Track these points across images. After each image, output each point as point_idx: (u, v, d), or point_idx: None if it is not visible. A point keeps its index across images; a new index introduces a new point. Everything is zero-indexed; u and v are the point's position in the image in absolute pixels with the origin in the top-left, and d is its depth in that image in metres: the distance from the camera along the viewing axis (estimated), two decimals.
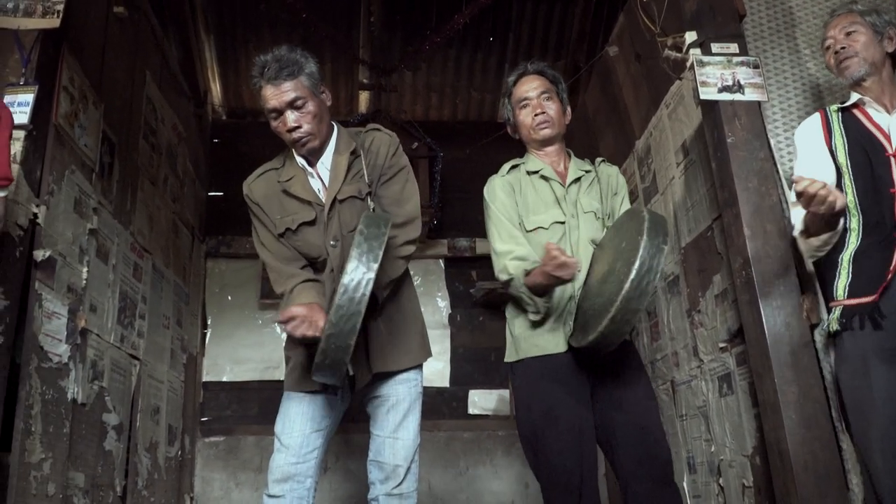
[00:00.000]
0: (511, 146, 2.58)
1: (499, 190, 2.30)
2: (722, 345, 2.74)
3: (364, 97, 5.17)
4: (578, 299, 2.16)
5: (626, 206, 2.33)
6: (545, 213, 2.24)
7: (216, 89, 5.17)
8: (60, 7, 2.41)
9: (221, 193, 4.86)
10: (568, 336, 2.13)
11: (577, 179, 2.30)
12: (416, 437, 2.10)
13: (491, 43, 5.06)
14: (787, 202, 2.41)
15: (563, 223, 2.22)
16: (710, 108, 2.59)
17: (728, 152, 2.45)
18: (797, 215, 2.18)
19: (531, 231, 2.23)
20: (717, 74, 2.57)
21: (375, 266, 1.68)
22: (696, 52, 2.64)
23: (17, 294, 2.22)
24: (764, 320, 2.27)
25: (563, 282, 2.02)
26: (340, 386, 2.05)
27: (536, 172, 2.30)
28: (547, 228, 2.22)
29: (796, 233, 2.20)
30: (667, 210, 3.24)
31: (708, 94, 2.54)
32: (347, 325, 1.67)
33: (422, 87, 5.33)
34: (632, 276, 1.78)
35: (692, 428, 3.07)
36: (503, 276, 2.17)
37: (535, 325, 2.18)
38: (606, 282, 1.98)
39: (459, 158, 4.91)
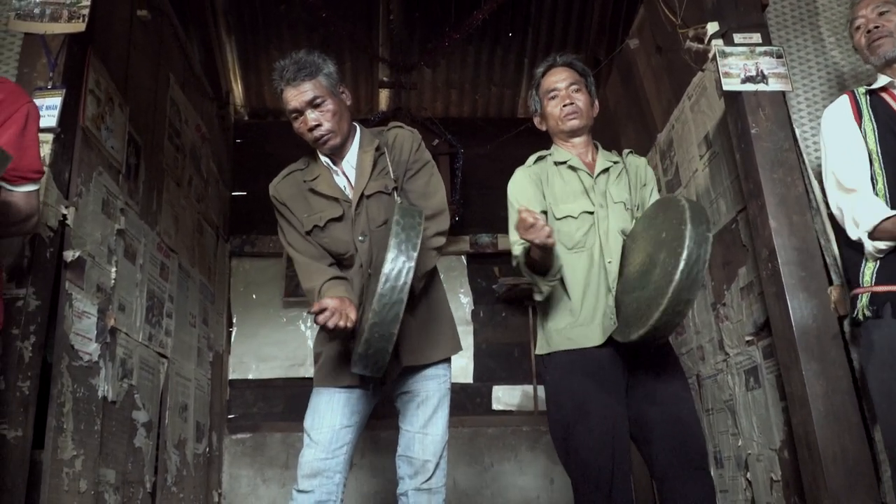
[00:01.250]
0: (532, 141, 2.58)
1: (523, 179, 2.29)
2: (748, 338, 2.72)
3: (384, 95, 5.18)
4: (616, 293, 2.13)
5: (656, 196, 2.30)
6: (574, 203, 2.23)
7: (238, 90, 5.21)
8: (86, 11, 2.44)
9: (245, 193, 4.91)
10: (609, 331, 2.09)
11: (606, 170, 2.28)
12: (445, 433, 2.12)
13: (510, 38, 5.04)
14: (813, 193, 2.38)
15: (591, 213, 2.21)
16: (733, 100, 2.56)
17: (752, 143, 2.43)
18: (863, 212, 2.02)
19: (561, 219, 2.22)
20: (740, 65, 2.54)
21: (415, 255, 1.70)
22: (718, 43, 2.61)
23: (48, 294, 2.26)
24: (791, 312, 2.25)
25: (546, 250, 1.98)
26: (374, 379, 2.06)
27: (564, 163, 2.29)
28: (576, 217, 2.21)
29: (863, 233, 2.02)
30: None
31: (731, 85, 2.52)
32: (391, 314, 1.69)
33: (441, 83, 5.33)
34: (681, 266, 1.77)
35: (719, 422, 3.05)
36: (514, 262, 2.18)
37: (570, 318, 2.16)
38: (650, 273, 1.95)
39: (480, 155, 4.91)
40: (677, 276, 1.77)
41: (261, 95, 5.29)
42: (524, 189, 2.27)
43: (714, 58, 2.59)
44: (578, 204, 2.22)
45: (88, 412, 2.52)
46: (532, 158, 2.36)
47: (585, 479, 2.04)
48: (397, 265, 1.69)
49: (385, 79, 5.00)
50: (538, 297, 2.19)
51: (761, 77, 2.52)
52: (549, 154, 2.34)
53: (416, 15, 4.82)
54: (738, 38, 2.60)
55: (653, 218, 2.09)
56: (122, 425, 2.82)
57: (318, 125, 2.06)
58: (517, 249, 2.15)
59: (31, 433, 2.14)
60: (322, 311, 1.86)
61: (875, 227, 1.98)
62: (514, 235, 2.18)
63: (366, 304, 1.90)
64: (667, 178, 3.47)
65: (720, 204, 2.92)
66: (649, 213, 2.16)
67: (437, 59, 4.99)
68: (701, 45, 2.73)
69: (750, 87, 2.50)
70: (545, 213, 2.24)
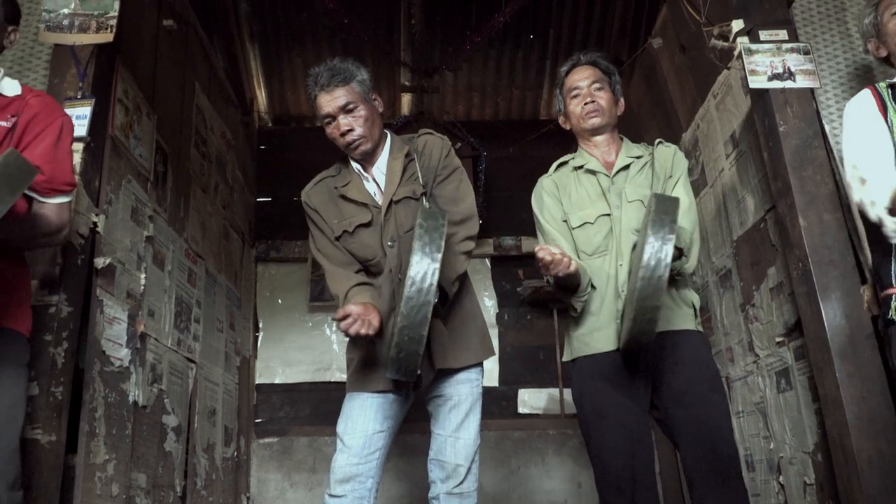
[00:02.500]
0: (555, 143, 2.57)
1: (543, 193, 2.31)
2: (779, 339, 2.68)
3: (406, 99, 5.20)
4: (624, 296, 2.12)
5: (681, 186, 2.21)
6: (590, 208, 2.22)
7: (262, 97, 5.26)
8: (113, 22, 2.48)
9: (269, 199, 4.96)
10: (618, 336, 2.10)
11: (626, 167, 2.25)
12: (476, 437, 2.12)
13: (531, 40, 5.03)
14: (842, 186, 2.33)
15: (608, 215, 2.20)
16: (759, 97, 2.53)
17: (780, 141, 2.40)
18: (878, 189, 1.95)
19: (578, 227, 2.22)
20: (766, 62, 2.52)
21: (439, 256, 1.70)
22: (743, 41, 2.59)
23: (79, 301, 2.30)
24: (823, 313, 2.21)
25: (571, 278, 2.02)
26: (407, 384, 2.07)
27: (582, 167, 2.28)
28: (593, 223, 2.20)
29: (881, 210, 1.93)
30: (717, 203, 3.19)
31: (757, 82, 2.49)
32: (419, 316, 1.69)
33: (463, 87, 5.33)
34: (640, 273, 1.74)
35: (749, 425, 3.01)
36: (545, 280, 2.19)
37: (587, 324, 2.17)
38: (631, 279, 1.96)
39: (503, 157, 4.91)
40: (638, 285, 1.75)
41: (284, 102, 5.33)
42: (543, 199, 2.30)
43: (739, 55, 2.56)
44: (595, 208, 2.21)
45: (120, 417, 2.55)
46: (553, 166, 2.37)
47: (607, 482, 2.04)
48: (422, 267, 1.70)
49: (407, 83, 5.01)
50: (573, 314, 2.20)
51: (788, 74, 2.50)
52: (571, 158, 2.34)
53: (438, 19, 4.83)
54: (763, 34, 2.57)
55: (644, 218, 2.05)
56: (153, 430, 2.85)
57: (350, 130, 2.09)
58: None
59: (65, 438, 2.17)
60: (345, 317, 1.87)
61: (892, 199, 1.88)
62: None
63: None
64: (692, 178, 3.43)
65: (748, 203, 2.88)
66: (645, 212, 2.10)
67: (459, 63, 4.99)
68: (726, 43, 2.70)
69: (777, 84, 2.47)
70: (565, 221, 2.24)
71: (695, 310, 2.19)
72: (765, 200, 2.72)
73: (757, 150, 2.68)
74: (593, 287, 2.16)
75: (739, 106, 2.88)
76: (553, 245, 2.04)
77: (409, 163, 2.16)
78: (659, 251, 1.73)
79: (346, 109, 2.08)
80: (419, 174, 2.14)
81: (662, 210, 1.77)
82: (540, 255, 1.93)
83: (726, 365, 3.18)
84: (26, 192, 1.69)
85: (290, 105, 5.34)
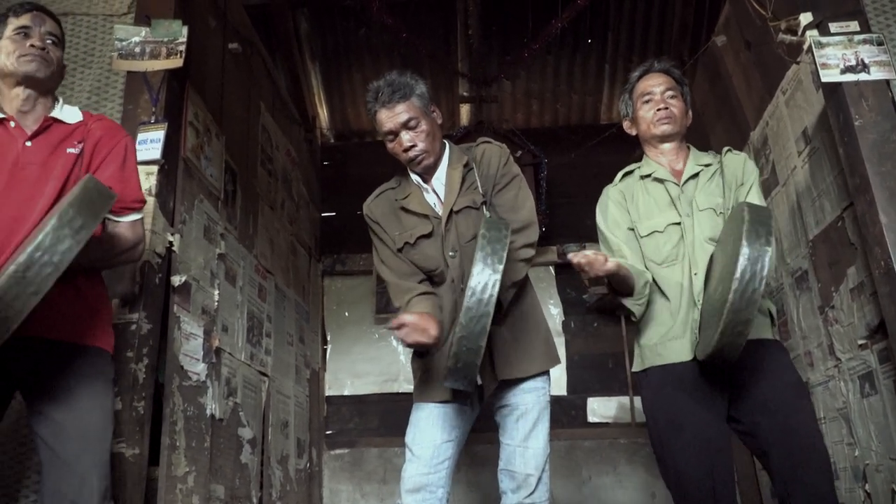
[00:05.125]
0: (617, 147, 2.54)
1: (609, 202, 2.28)
2: (861, 341, 2.57)
3: (465, 110, 5.22)
4: (702, 305, 2.06)
5: (755, 194, 2.17)
6: (659, 217, 2.18)
7: (323, 114, 5.37)
8: (182, 48, 2.57)
9: (333, 213, 5.06)
10: (694, 347, 2.04)
11: (695, 175, 2.21)
12: (546, 446, 2.09)
13: (589, 45, 4.99)
14: None
15: (678, 224, 2.16)
16: (832, 91, 2.45)
17: (856, 136, 2.31)
18: None
19: (646, 236, 2.18)
20: (838, 55, 2.43)
21: (501, 267, 1.70)
22: (813, 34, 2.50)
23: (158, 318, 2.38)
24: None
25: (616, 275, 2.01)
26: (470, 393, 2.06)
27: (649, 176, 2.25)
28: (662, 231, 2.16)
29: None
30: (790, 202, 3.09)
31: (830, 76, 2.41)
32: (478, 327, 1.69)
33: (521, 95, 5.32)
34: (734, 286, 1.68)
35: (832, 432, 2.89)
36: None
37: (661, 333, 2.12)
38: (717, 289, 1.89)
39: (564, 164, 4.87)
40: (730, 297, 1.69)
41: (345, 118, 5.43)
42: (608, 208, 2.27)
43: (809, 49, 2.48)
44: (664, 217, 2.17)
45: (198, 430, 2.63)
46: (619, 176, 2.34)
47: (685, 497, 1.98)
48: (483, 278, 1.69)
49: (465, 93, 5.04)
50: (634, 319, 2.18)
51: (862, 66, 2.41)
52: (637, 167, 2.30)
53: (494, 28, 4.84)
54: (833, 27, 2.49)
55: (729, 227, 2.00)
56: (229, 442, 2.92)
57: (413, 146, 2.09)
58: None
59: (147, 451, 2.24)
60: (401, 326, 1.88)
61: None
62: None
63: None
64: (763, 177, 3.33)
65: (823, 202, 2.78)
66: (729, 219, 2.06)
67: (517, 71, 4.99)
68: (794, 37, 2.62)
69: (850, 77, 2.38)
70: (631, 230, 2.21)
71: (772, 318, 2.12)
72: (841, 198, 2.62)
73: (831, 146, 2.59)
74: (664, 296, 2.12)
75: (811, 101, 2.79)
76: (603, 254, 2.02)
77: (468, 172, 2.15)
78: (755, 263, 1.68)
79: (407, 125, 2.08)
80: (478, 183, 2.14)
81: (758, 221, 1.72)
82: (575, 260, 1.94)
83: (805, 370, 3.07)
84: None
85: (350, 121, 5.43)
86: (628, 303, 2.12)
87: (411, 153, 2.10)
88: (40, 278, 1.47)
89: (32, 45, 1.85)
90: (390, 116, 2.08)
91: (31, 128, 1.84)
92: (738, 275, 1.68)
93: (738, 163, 2.22)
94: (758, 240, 1.70)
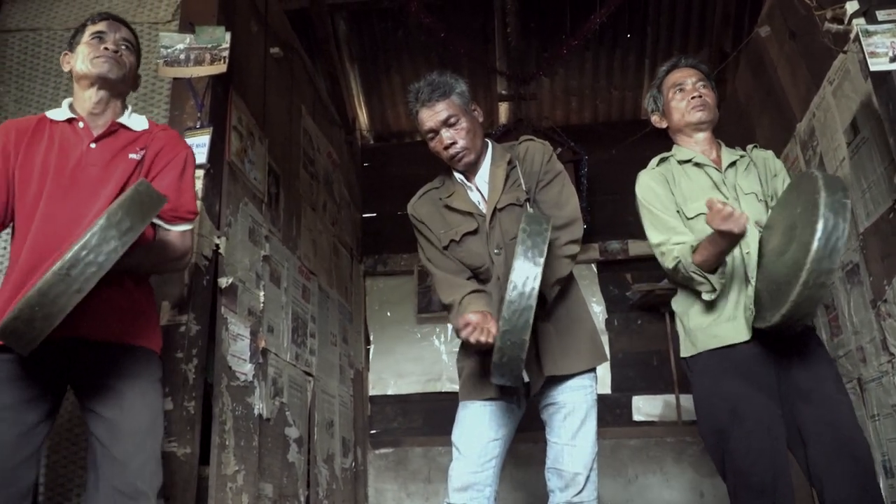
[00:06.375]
0: (657, 142, 2.50)
1: (650, 181, 2.24)
2: None
3: (503, 108, 5.21)
4: (756, 283, 2.03)
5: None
6: (704, 199, 2.15)
7: (363, 116, 5.42)
8: (226, 54, 2.62)
9: (374, 214, 5.09)
10: (751, 320, 1.99)
11: (733, 164, 2.21)
12: (594, 445, 2.07)
13: (629, 40, 4.94)
14: None
15: None
16: (881, 80, 2.38)
17: None
18: None
19: (692, 218, 2.15)
20: (886, 43, 2.36)
21: (541, 260, 1.70)
22: (859, 22, 2.44)
23: (206, 319, 2.43)
24: None
25: (736, 239, 1.91)
26: (517, 391, 2.06)
27: (689, 161, 2.22)
28: None
29: None
30: None
31: (878, 65, 2.34)
32: (521, 321, 1.69)
33: (560, 92, 5.29)
34: (818, 233, 1.67)
35: (887, 429, 2.81)
36: (669, 263, 2.08)
37: (712, 314, 2.08)
38: (786, 252, 1.85)
39: (604, 160, 4.82)
40: (815, 245, 1.67)
41: (384, 119, 5.47)
42: (653, 190, 2.22)
43: (857, 38, 2.42)
44: None
45: (247, 429, 2.67)
46: (654, 161, 2.31)
47: (746, 488, 1.93)
48: (524, 272, 1.69)
49: (504, 91, 5.03)
50: (708, 297, 2.07)
51: None
52: (672, 154, 2.28)
53: (532, 25, 4.82)
54: (881, 14, 2.42)
55: (786, 202, 1.99)
56: (277, 441, 2.97)
57: (454, 143, 2.11)
58: (677, 251, 2.07)
59: (198, 450, 2.29)
60: (466, 325, 1.89)
61: None
62: (659, 237, 2.14)
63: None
64: (811, 168, 3.26)
65: (873, 192, 2.71)
66: (782, 197, 2.06)
67: (556, 68, 4.96)
68: (840, 27, 2.56)
69: None
70: (678, 212, 2.18)
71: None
72: (892, 189, 2.54)
73: (881, 135, 2.52)
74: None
75: (858, 91, 2.71)
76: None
77: (511, 170, 2.16)
78: (836, 213, 1.69)
79: (447, 123, 2.10)
80: (521, 181, 2.14)
81: (831, 178, 1.77)
82: (718, 205, 1.86)
83: (858, 366, 2.99)
84: (154, 220, 1.81)
85: (390, 122, 5.47)
86: (714, 279, 2.05)
87: (452, 150, 2.12)
88: (84, 277, 1.48)
89: (106, 48, 1.92)
90: (431, 115, 2.11)
91: (98, 130, 1.91)
92: (820, 222, 1.68)
93: (768, 156, 2.27)
94: (836, 192, 1.71)
